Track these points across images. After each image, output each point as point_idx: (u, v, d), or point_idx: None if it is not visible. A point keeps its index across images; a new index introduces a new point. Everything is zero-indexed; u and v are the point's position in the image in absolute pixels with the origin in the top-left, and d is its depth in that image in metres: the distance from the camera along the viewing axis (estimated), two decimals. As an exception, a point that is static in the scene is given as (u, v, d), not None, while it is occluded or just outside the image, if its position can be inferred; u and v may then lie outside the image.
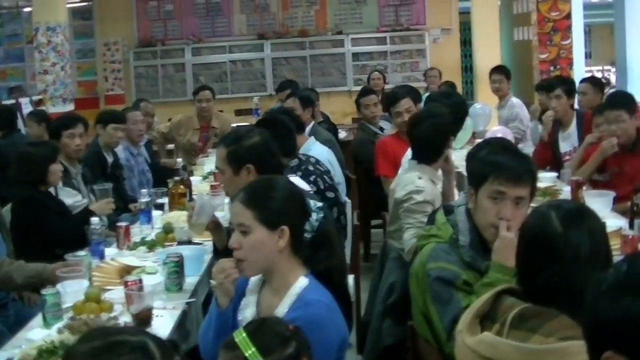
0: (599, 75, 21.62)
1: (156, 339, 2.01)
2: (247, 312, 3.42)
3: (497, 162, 3.63)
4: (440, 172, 5.37)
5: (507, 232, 3.53)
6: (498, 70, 10.51)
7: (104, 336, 1.98)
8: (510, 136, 8.31)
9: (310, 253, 3.41)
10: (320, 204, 3.53)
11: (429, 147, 5.25)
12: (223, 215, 5.51)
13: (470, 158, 3.92)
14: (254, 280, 3.48)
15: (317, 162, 6.20)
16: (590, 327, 1.95)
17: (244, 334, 2.70)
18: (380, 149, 7.56)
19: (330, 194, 5.99)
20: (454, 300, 3.55)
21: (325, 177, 6.08)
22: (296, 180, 5.53)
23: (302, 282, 3.28)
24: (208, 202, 4.88)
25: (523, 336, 2.62)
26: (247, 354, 2.64)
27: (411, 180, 5.16)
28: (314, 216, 3.44)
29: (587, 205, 2.93)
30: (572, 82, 9.04)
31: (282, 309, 3.21)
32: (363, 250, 8.50)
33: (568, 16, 13.55)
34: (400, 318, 4.23)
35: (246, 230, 3.28)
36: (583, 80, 9.07)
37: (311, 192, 5.36)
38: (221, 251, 4.70)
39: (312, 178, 5.90)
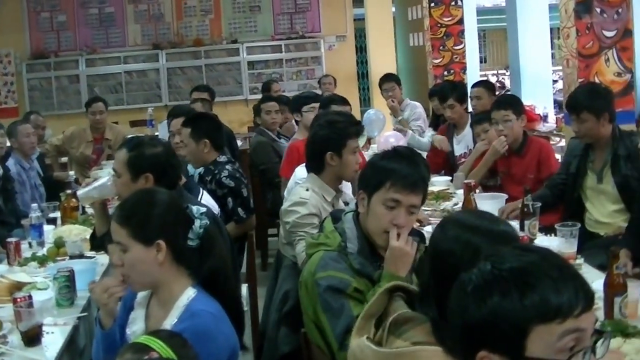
0: (493, 79, 22.00)
1: None
2: (136, 326, 3.37)
3: (393, 169, 3.64)
4: (330, 189, 5.23)
5: (396, 242, 3.56)
6: (387, 78, 10.52)
7: None
8: (402, 141, 8.39)
9: (199, 260, 3.37)
10: (203, 209, 3.48)
11: (308, 155, 5.21)
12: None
13: (367, 164, 3.94)
14: (142, 293, 3.45)
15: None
16: (460, 330, 1.96)
17: (160, 341, 2.66)
18: (289, 151, 7.57)
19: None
20: (345, 310, 3.55)
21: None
22: (206, 197, 5.54)
23: (188, 293, 3.24)
24: (111, 186, 4.84)
25: (392, 341, 2.64)
26: None
27: (297, 192, 5.10)
28: (197, 223, 3.38)
29: (465, 215, 2.89)
30: (463, 87, 9.21)
31: (169, 322, 3.17)
32: (260, 259, 8.50)
33: (460, 21, 13.74)
34: (296, 326, 4.21)
35: (124, 249, 3.24)
36: (476, 85, 9.20)
37: (218, 211, 5.41)
38: (99, 237, 4.79)
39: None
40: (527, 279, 1.88)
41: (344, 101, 7.70)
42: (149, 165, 4.57)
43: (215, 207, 5.47)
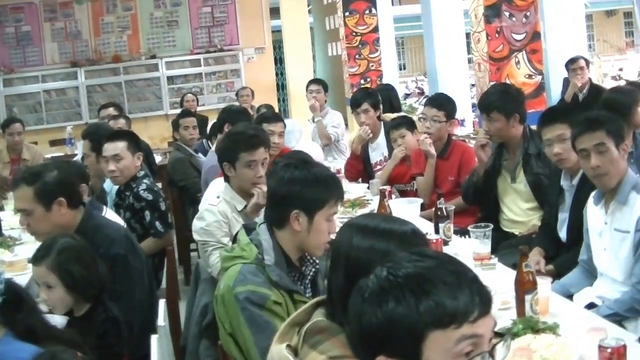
0: (412, 85, 22.15)
1: None
2: None
3: (329, 184, 3.68)
4: (241, 199, 5.20)
5: None
6: (315, 81, 10.51)
7: None
8: (318, 150, 8.40)
9: (8, 316, 3.19)
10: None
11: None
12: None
13: (291, 182, 3.72)
14: None
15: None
16: (358, 336, 1.99)
17: None
18: None
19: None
20: (270, 326, 3.56)
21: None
22: (110, 213, 5.48)
23: None
24: None
25: (306, 351, 2.62)
26: None
27: (208, 199, 5.13)
28: None
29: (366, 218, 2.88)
30: (377, 94, 9.18)
31: None
32: (184, 274, 8.46)
33: (375, 29, 13.83)
34: (216, 338, 4.21)
35: None
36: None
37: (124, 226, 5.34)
38: None
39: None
40: (423, 285, 1.91)
41: (277, 118, 7.56)
42: (59, 189, 4.45)
43: (120, 222, 5.43)
